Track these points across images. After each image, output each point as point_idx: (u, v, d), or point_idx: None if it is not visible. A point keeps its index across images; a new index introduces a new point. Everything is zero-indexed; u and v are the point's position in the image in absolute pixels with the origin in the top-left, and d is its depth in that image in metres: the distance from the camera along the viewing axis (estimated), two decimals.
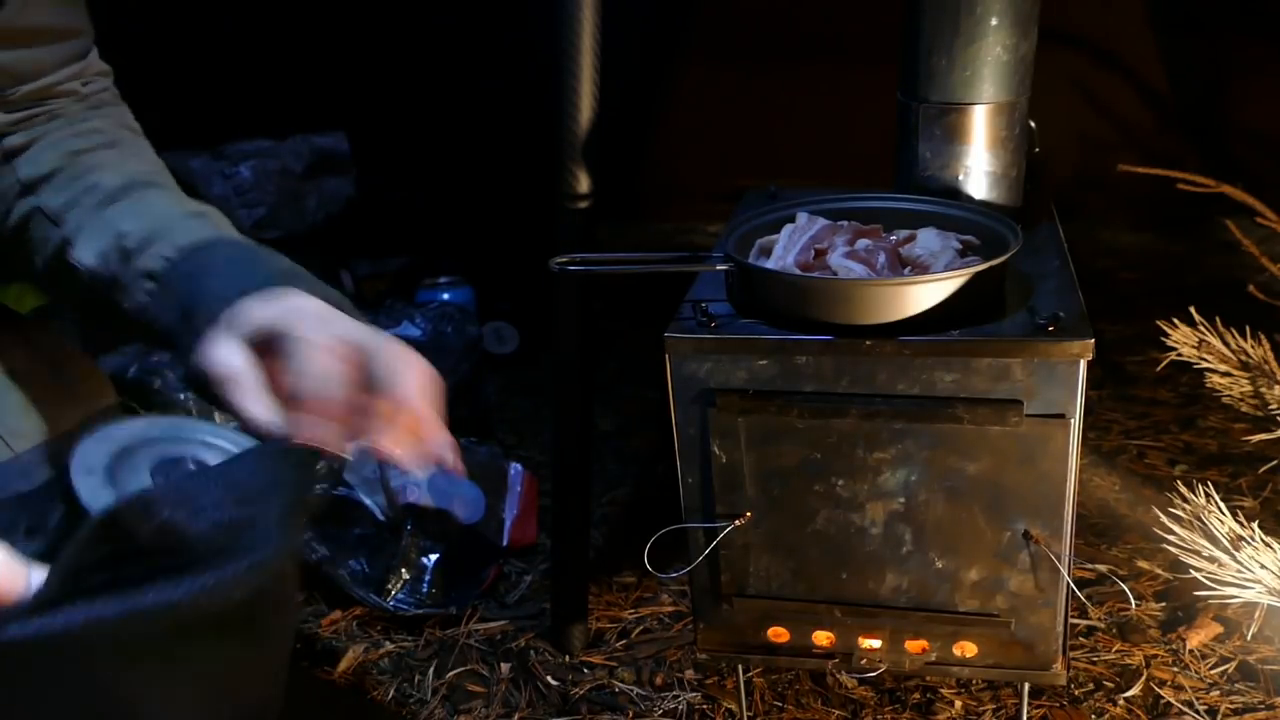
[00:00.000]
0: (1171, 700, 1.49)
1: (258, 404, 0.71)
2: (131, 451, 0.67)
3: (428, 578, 1.77)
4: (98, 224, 0.84)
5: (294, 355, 0.71)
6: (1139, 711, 1.48)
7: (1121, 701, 1.49)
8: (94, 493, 0.63)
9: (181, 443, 0.69)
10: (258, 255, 0.83)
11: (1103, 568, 1.76)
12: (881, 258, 1.23)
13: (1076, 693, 1.51)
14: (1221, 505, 1.26)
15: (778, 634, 1.35)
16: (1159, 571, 1.74)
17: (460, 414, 2.14)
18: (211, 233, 0.86)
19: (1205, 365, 1.43)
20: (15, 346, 0.89)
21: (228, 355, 0.72)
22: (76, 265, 0.83)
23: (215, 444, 0.69)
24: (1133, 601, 1.66)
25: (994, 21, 1.30)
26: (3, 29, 0.84)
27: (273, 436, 0.68)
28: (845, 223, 1.32)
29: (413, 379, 0.72)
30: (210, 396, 0.73)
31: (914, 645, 1.32)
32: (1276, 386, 1.38)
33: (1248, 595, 1.22)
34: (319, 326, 0.72)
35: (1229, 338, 1.42)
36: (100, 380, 0.97)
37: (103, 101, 0.97)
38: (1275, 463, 1.65)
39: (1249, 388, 1.41)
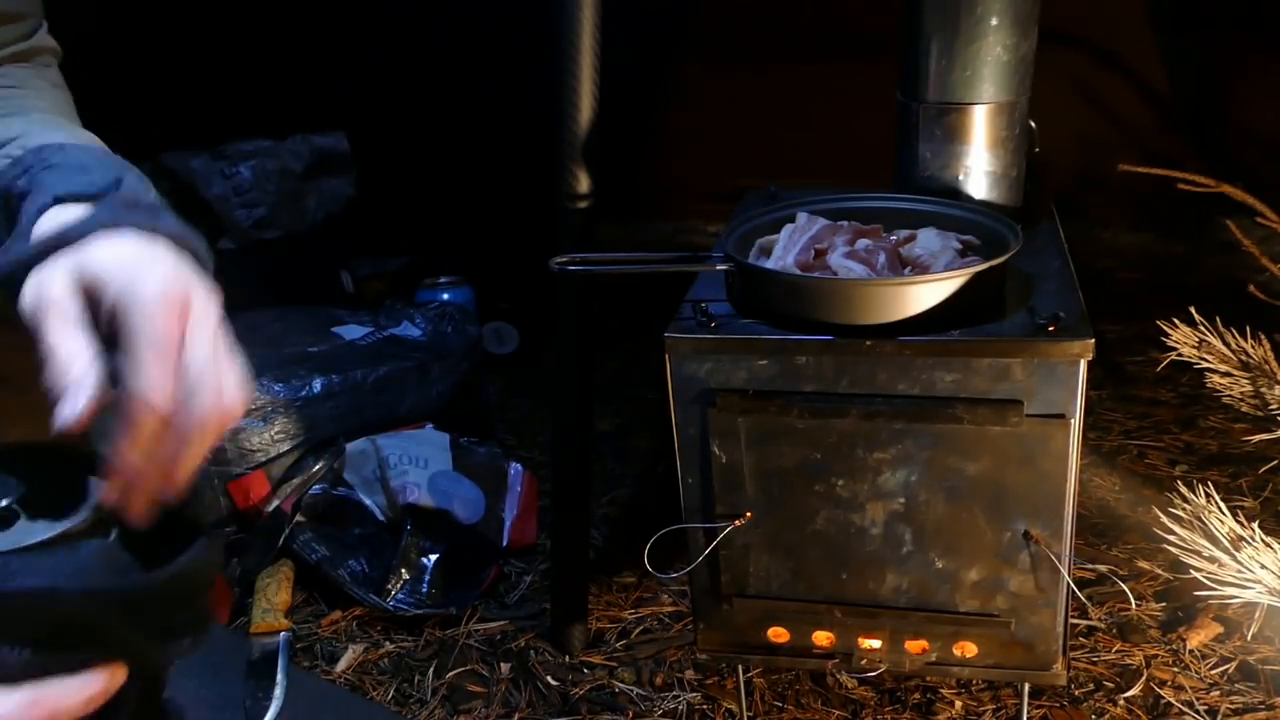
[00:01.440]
0: (1172, 700, 1.49)
1: (72, 338, 0.54)
2: None
3: (428, 578, 1.76)
4: None
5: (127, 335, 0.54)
6: (1139, 712, 1.48)
7: (1122, 702, 1.49)
8: None
9: None
10: (110, 164, 0.67)
11: (1103, 568, 1.76)
12: (881, 258, 1.23)
13: (1076, 693, 1.51)
14: (1222, 505, 1.26)
15: (778, 634, 1.35)
16: (1159, 571, 1.74)
17: (460, 414, 2.14)
18: (77, 139, 0.74)
19: (1205, 365, 1.42)
20: None
21: (49, 283, 0.56)
22: None
23: None
24: (1133, 601, 1.66)
25: (994, 21, 1.30)
26: None
27: (74, 381, 0.52)
28: (845, 223, 1.32)
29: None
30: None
31: (914, 645, 1.32)
32: (1277, 386, 1.38)
33: (1248, 595, 1.22)
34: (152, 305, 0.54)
35: (1229, 338, 1.42)
36: None
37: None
38: (1275, 463, 1.65)
39: (1249, 388, 1.41)
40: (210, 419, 0.55)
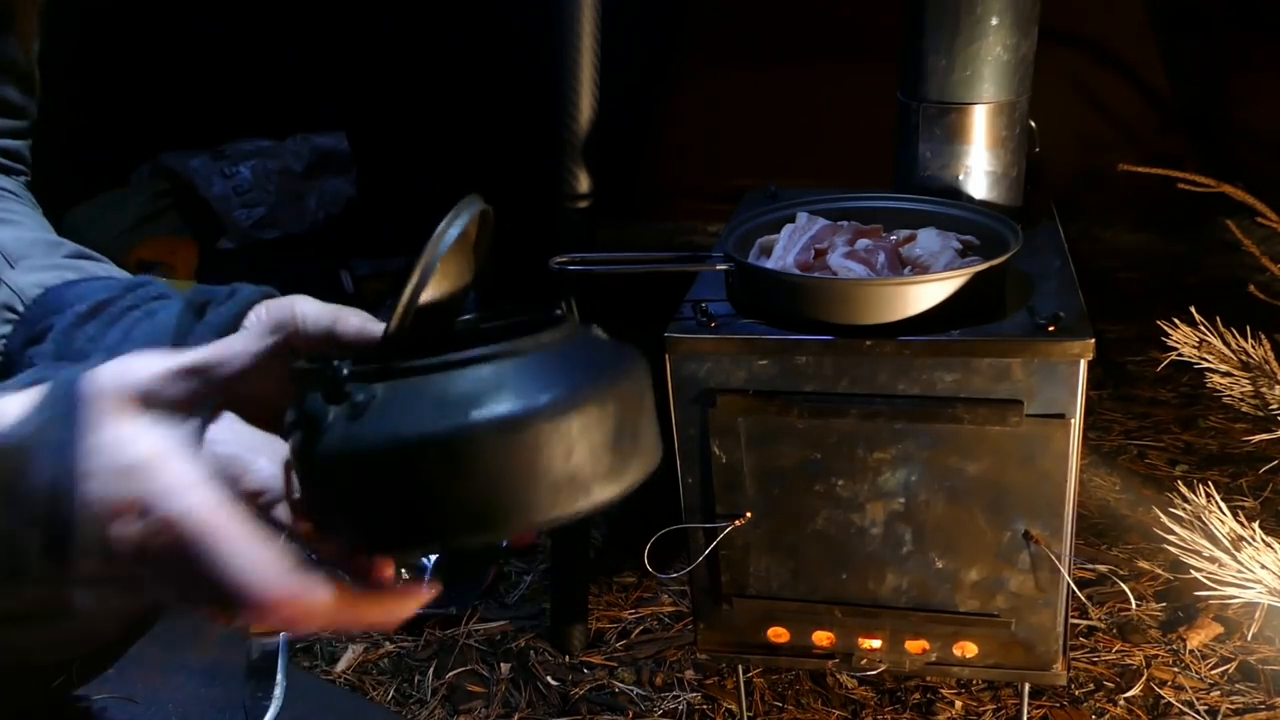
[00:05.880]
0: (1172, 700, 1.49)
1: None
2: None
3: (428, 578, 1.76)
4: None
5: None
6: (1139, 711, 1.48)
7: (1122, 702, 1.49)
8: None
9: None
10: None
11: (1103, 568, 1.76)
12: (881, 258, 1.23)
13: (1077, 693, 1.51)
14: (1222, 505, 1.26)
15: (778, 634, 1.35)
16: (1159, 571, 1.74)
17: None
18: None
19: (1206, 365, 1.42)
20: None
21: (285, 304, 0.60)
22: None
23: None
24: (1133, 601, 1.66)
25: (994, 21, 1.30)
26: None
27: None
28: (845, 223, 1.32)
29: None
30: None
31: (914, 645, 1.32)
32: (1277, 386, 1.38)
33: (1248, 595, 1.22)
34: None
35: (1229, 338, 1.41)
36: None
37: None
38: (1276, 463, 1.65)
39: (1249, 388, 1.41)
40: None
